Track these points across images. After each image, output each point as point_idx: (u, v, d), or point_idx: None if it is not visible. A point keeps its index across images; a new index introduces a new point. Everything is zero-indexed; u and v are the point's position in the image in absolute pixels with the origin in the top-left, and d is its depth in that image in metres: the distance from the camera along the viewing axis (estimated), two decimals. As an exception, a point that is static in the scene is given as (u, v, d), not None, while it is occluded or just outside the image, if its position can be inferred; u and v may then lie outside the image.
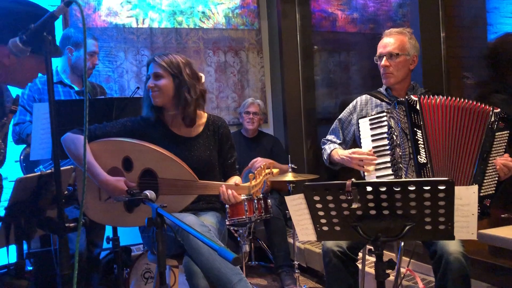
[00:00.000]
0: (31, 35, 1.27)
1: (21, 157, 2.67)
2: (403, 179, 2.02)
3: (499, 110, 2.06)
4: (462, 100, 2.09)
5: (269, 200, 3.26)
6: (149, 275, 2.91)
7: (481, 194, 1.98)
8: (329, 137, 2.53)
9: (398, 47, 2.23)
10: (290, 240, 3.48)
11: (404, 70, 2.28)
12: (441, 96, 2.15)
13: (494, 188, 2.00)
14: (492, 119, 2.03)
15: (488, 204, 1.97)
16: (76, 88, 2.84)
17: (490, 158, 2.01)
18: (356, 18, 4.16)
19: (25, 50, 1.30)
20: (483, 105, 2.07)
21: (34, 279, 2.59)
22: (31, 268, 2.71)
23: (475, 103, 2.07)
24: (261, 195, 3.19)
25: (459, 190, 1.53)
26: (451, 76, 2.86)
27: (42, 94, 2.74)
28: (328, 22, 4.43)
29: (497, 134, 2.03)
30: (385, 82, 2.29)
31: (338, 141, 2.47)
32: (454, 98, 2.10)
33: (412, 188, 1.53)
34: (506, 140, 2.04)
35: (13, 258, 1.56)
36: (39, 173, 1.48)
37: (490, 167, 2.01)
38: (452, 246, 1.87)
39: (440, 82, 2.79)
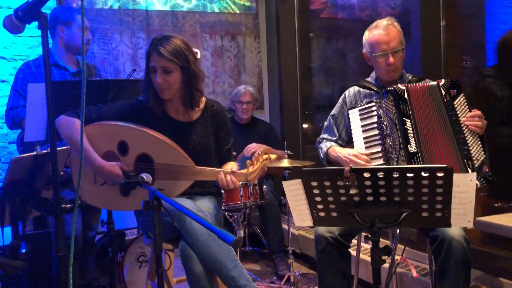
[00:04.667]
0: (28, 11, 1.24)
1: (18, 140, 2.63)
2: (402, 166, 2.01)
3: (443, 81, 2.10)
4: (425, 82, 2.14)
5: (264, 186, 3.26)
6: (143, 259, 2.91)
7: (477, 164, 1.98)
8: (323, 135, 2.50)
9: (399, 42, 2.21)
10: (284, 226, 3.49)
11: (403, 62, 2.27)
12: (423, 83, 2.16)
13: (483, 152, 2.01)
14: (443, 92, 2.08)
15: (487, 170, 1.98)
16: (72, 70, 2.80)
17: (463, 128, 2.03)
18: (354, 4, 4.12)
19: (20, 27, 1.27)
20: (430, 82, 2.14)
21: (28, 261, 2.58)
22: (24, 250, 2.70)
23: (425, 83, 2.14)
24: (257, 181, 3.19)
25: (457, 177, 1.53)
26: (449, 65, 2.85)
27: (37, 78, 2.69)
28: (326, 8, 4.39)
29: (455, 103, 2.06)
30: (390, 77, 2.26)
31: (334, 138, 2.44)
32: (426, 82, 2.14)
33: (410, 175, 1.53)
34: (465, 103, 2.07)
35: (7, 240, 1.54)
36: (34, 153, 1.45)
37: (468, 136, 2.02)
38: (454, 230, 1.87)
39: (439, 70, 2.78)
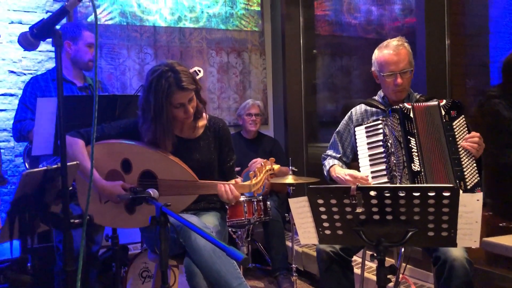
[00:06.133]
0: (42, 28, 1.26)
1: (25, 153, 2.65)
2: (408, 185, 2.02)
3: (444, 101, 2.13)
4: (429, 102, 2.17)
5: (268, 203, 3.26)
6: (146, 274, 2.89)
7: (469, 186, 1.99)
8: (328, 152, 2.51)
9: (408, 63, 2.22)
10: (288, 243, 3.48)
11: (410, 82, 2.29)
12: (429, 102, 2.18)
13: (477, 174, 2.02)
14: (443, 112, 2.10)
15: (480, 192, 1.98)
16: (78, 84, 2.83)
17: (459, 149, 2.04)
18: (359, 22, 4.16)
19: (35, 44, 1.29)
20: (430, 102, 2.17)
21: (31, 274, 2.57)
22: (28, 264, 2.70)
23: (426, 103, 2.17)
24: (261, 197, 3.19)
25: (463, 197, 1.54)
26: (454, 83, 2.87)
27: (45, 92, 2.73)
28: (331, 26, 4.44)
29: (454, 124, 2.08)
30: (397, 97, 2.28)
31: (338, 155, 2.45)
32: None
33: (416, 194, 1.53)
34: (465, 125, 2.09)
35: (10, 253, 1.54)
36: (45, 167, 1.47)
37: (463, 157, 2.03)
38: (456, 252, 1.86)
39: (444, 89, 2.79)
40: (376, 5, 3.93)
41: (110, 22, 3.73)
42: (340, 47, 4.48)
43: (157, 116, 2.03)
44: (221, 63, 4.18)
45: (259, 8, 4.33)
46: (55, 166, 1.48)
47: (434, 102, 2.15)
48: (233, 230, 3.23)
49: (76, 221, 1.27)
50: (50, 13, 3.46)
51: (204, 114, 2.27)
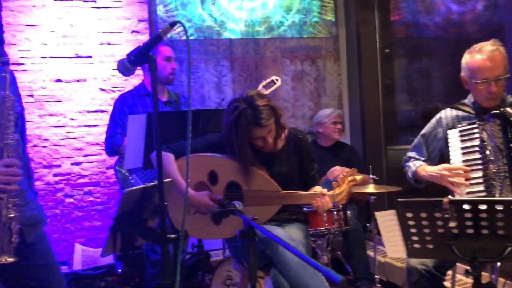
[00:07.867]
0: (139, 55, 1.35)
1: (116, 166, 2.83)
2: (507, 198, 1.89)
3: None
4: None
5: (348, 212, 3.21)
6: (230, 283, 2.95)
7: None
8: (411, 154, 2.38)
9: (503, 69, 2.06)
10: (370, 253, 3.40)
11: (504, 87, 2.12)
12: None
13: None
14: None
15: None
16: (162, 99, 2.96)
17: None
18: (438, 22, 3.99)
19: (131, 69, 1.39)
20: None
21: (122, 279, 2.73)
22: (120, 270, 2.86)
23: None
24: (341, 206, 3.15)
25: None
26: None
27: (132, 107, 2.89)
28: (408, 27, 4.30)
29: None
30: (489, 104, 2.11)
31: (422, 158, 2.32)
32: None
33: (516, 207, 1.44)
34: None
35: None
36: (143, 185, 1.57)
37: None
38: None
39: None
40: (455, 3, 3.75)
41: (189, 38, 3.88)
42: (419, 48, 4.32)
43: (240, 151, 2.13)
44: (295, 72, 4.20)
45: (333, 14, 4.30)
46: (152, 184, 1.58)
47: None
48: (313, 239, 3.21)
49: (173, 236, 1.35)
50: (135, 33, 3.69)
51: (284, 127, 2.30)
